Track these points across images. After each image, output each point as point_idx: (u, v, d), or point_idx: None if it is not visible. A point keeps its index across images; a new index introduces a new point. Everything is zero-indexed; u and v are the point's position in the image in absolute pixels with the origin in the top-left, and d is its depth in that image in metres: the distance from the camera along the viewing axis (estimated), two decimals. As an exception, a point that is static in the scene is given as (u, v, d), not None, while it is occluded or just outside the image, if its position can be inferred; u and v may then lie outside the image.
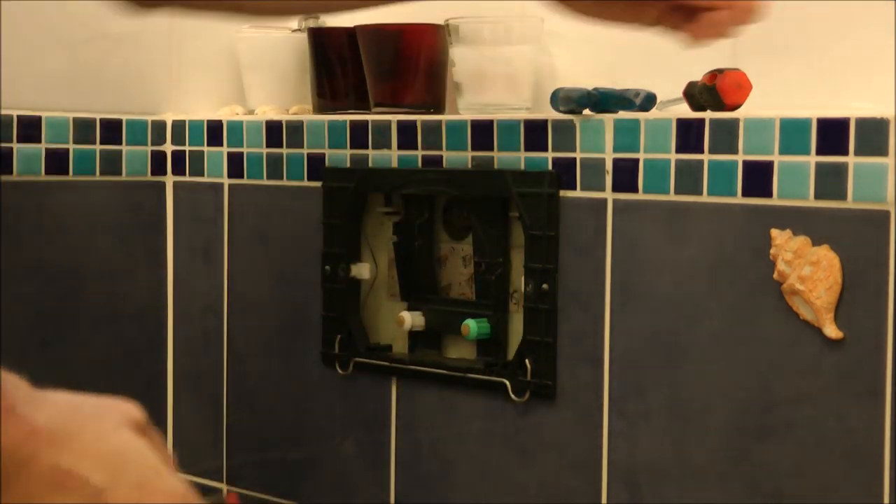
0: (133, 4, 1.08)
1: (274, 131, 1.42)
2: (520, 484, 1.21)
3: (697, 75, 1.13)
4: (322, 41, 1.43)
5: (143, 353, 1.53)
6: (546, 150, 1.18)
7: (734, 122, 1.06)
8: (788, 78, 1.17)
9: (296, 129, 1.40)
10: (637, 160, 1.12)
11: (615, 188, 1.14)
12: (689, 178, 1.09)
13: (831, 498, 1.02)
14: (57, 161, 1.45)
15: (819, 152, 1.01)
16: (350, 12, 1.25)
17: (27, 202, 1.44)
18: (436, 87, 1.35)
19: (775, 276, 1.04)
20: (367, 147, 1.33)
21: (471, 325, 1.23)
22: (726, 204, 1.07)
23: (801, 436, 1.03)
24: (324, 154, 1.37)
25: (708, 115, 1.08)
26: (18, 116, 1.43)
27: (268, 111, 1.47)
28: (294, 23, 1.59)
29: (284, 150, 1.41)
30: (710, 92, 1.10)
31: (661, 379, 1.11)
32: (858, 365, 1.00)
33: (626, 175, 1.13)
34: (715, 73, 1.11)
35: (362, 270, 1.35)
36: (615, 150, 1.13)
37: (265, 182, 1.43)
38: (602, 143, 1.14)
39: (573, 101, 1.14)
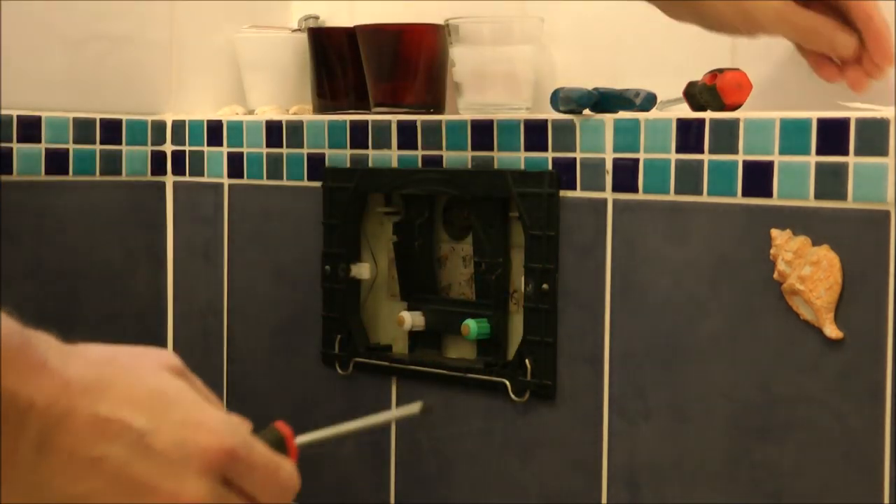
0: None
1: (274, 131, 1.42)
2: (520, 484, 1.21)
3: (697, 75, 1.14)
4: (322, 41, 1.43)
5: (143, 353, 1.53)
6: (546, 150, 1.18)
7: (734, 122, 1.06)
8: (788, 78, 1.17)
9: (296, 129, 1.40)
10: (637, 160, 1.12)
11: (615, 188, 1.14)
12: (689, 178, 1.09)
13: (831, 498, 1.02)
14: (57, 161, 1.45)
15: (819, 152, 1.01)
16: None
17: (27, 202, 1.44)
18: (436, 87, 1.35)
19: (775, 276, 1.04)
20: (367, 147, 1.33)
21: (471, 325, 1.23)
22: (726, 204, 1.07)
23: (801, 436, 1.03)
24: (324, 154, 1.37)
25: (708, 115, 1.08)
26: (18, 116, 1.42)
27: (268, 111, 1.48)
28: (294, 23, 1.59)
29: (284, 150, 1.41)
30: (710, 92, 1.10)
31: (661, 379, 1.11)
32: (858, 365, 1.00)
33: (626, 175, 1.13)
34: (715, 73, 1.11)
35: (362, 270, 1.35)
36: (615, 150, 1.13)
37: (265, 182, 1.43)
38: (602, 143, 1.14)
39: (573, 101, 1.14)
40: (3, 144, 1.41)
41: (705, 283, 1.08)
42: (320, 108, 1.44)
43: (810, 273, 1.01)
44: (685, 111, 1.12)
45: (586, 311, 1.16)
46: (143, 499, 0.66)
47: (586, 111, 1.16)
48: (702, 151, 1.08)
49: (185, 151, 1.52)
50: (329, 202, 1.36)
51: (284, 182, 1.41)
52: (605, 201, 1.14)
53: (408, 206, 1.31)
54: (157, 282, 1.54)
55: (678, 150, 1.09)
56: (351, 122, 1.34)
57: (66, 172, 1.46)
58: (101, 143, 1.49)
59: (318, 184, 1.37)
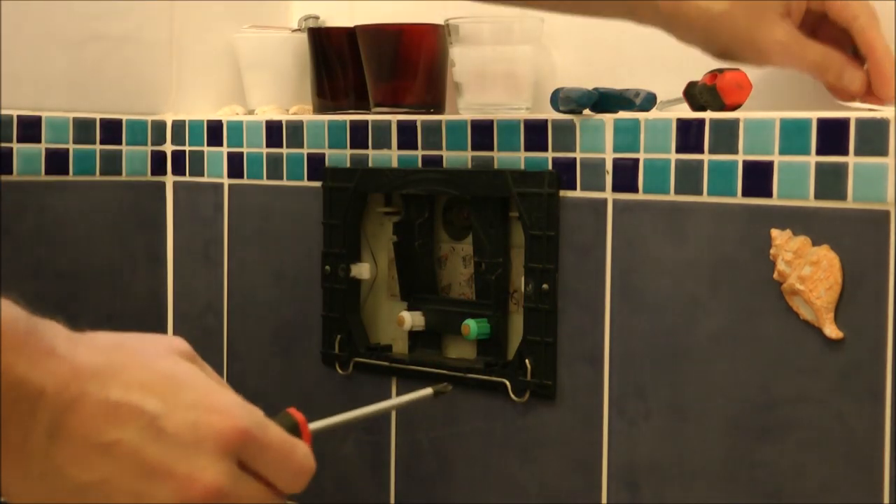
0: None
1: (274, 131, 1.42)
2: (520, 484, 1.21)
3: (697, 75, 1.14)
4: (322, 41, 1.43)
5: (143, 353, 1.53)
6: (546, 150, 1.18)
7: (734, 122, 1.06)
8: (788, 78, 1.17)
9: (296, 129, 1.40)
10: (637, 160, 1.12)
11: (615, 188, 1.14)
12: (689, 178, 1.09)
13: (831, 498, 1.02)
14: (57, 161, 1.45)
15: (819, 152, 1.01)
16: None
17: (27, 202, 1.44)
18: (436, 87, 1.35)
19: (775, 276, 1.04)
20: (367, 147, 1.33)
21: (471, 325, 1.23)
22: (726, 204, 1.07)
23: (801, 436, 1.03)
24: (324, 154, 1.37)
25: (708, 115, 1.08)
26: (18, 116, 1.42)
27: (268, 111, 1.48)
28: (294, 23, 1.59)
29: (284, 150, 1.41)
30: (710, 92, 1.10)
31: (661, 379, 1.11)
32: (858, 365, 1.00)
33: (626, 175, 1.13)
34: (715, 73, 1.11)
35: (362, 270, 1.35)
36: (615, 150, 1.13)
37: (265, 182, 1.43)
38: (602, 143, 1.14)
39: (573, 101, 1.14)
40: (3, 144, 1.41)
41: (705, 283, 1.08)
42: (320, 108, 1.44)
43: (810, 273, 1.01)
44: (685, 111, 1.12)
45: (586, 311, 1.16)
46: (157, 483, 0.65)
47: (586, 111, 1.16)
48: (702, 151, 1.08)
49: (185, 151, 1.52)
50: (329, 202, 1.36)
51: (284, 182, 1.41)
52: (605, 201, 1.14)
53: (408, 206, 1.31)
54: (157, 282, 1.54)
55: (678, 150, 1.09)
56: (351, 122, 1.34)
57: (66, 172, 1.46)
58: (101, 143, 1.49)
59: (318, 184, 1.37)
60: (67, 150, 1.46)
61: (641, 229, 1.12)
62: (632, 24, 1.16)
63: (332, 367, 1.36)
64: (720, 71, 1.11)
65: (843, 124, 1.00)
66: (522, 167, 1.20)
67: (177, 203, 1.54)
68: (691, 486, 1.10)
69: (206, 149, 1.50)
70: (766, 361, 1.05)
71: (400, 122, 1.30)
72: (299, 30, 1.55)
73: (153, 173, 1.53)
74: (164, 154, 1.54)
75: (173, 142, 1.53)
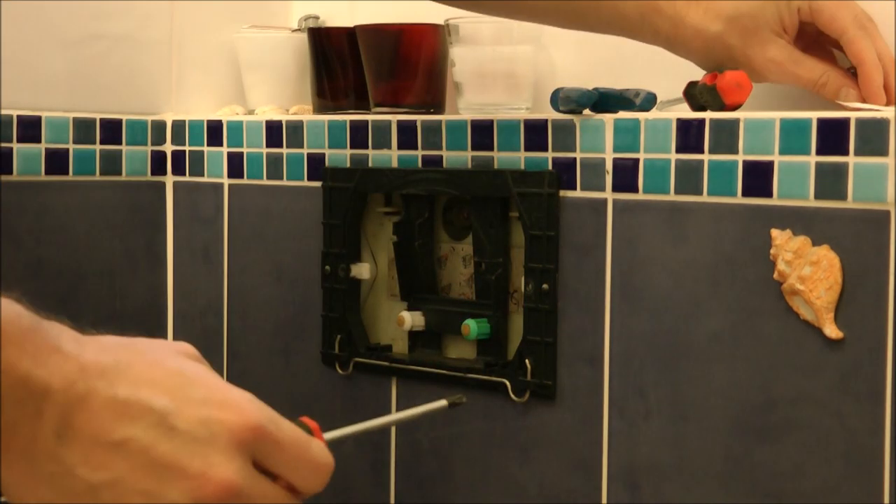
0: None
1: (274, 131, 1.42)
2: (520, 484, 1.21)
3: (697, 75, 1.14)
4: (322, 41, 1.43)
5: (143, 353, 1.53)
6: (546, 150, 1.18)
7: (734, 122, 1.06)
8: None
9: (296, 129, 1.40)
10: (637, 160, 1.12)
11: (615, 188, 1.13)
12: (689, 178, 1.09)
13: (831, 498, 1.02)
14: (57, 161, 1.45)
15: (819, 152, 1.01)
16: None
17: (27, 202, 1.44)
18: (436, 87, 1.35)
19: (775, 276, 1.04)
20: (367, 147, 1.33)
21: (471, 325, 1.23)
22: (726, 204, 1.07)
23: (801, 436, 1.03)
24: (324, 154, 1.37)
25: (708, 115, 1.08)
26: (18, 116, 1.43)
27: (268, 111, 1.48)
28: (294, 23, 1.59)
29: (284, 150, 1.41)
30: (710, 92, 1.10)
31: (661, 379, 1.11)
32: (858, 365, 1.00)
33: (626, 175, 1.13)
34: (715, 73, 1.11)
35: (362, 270, 1.35)
36: (615, 150, 1.13)
37: (265, 182, 1.43)
38: (602, 143, 1.14)
39: (573, 101, 1.14)
40: (3, 144, 1.41)
41: (705, 283, 1.08)
42: (320, 108, 1.44)
43: (810, 273, 1.01)
44: (685, 111, 1.12)
45: (586, 311, 1.16)
46: (169, 481, 0.64)
47: (586, 111, 1.16)
48: (702, 151, 1.08)
49: (185, 151, 1.52)
50: (329, 202, 1.36)
51: (284, 182, 1.41)
52: (605, 201, 1.14)
53: (408, 206, 1.31)
54: (157, 282, 1.54)
55: (678, 150, 1.09)
56: (351, 122, 1.34)
57: (66, 172, 1.46)
58: (101, 143, 1.49)
59: (318, 184, 1.37)
60: (67, 150, 1.46)
61: (641, 229, 1.12)
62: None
63: (332, 367, 1.36)
64: (720, 71, 1.11)
65: (843, 124, 1.00)
66: (522, 167, 1.20)
67: (177, 203, 1.54)
68: (691, 486, 1.10)
69: (206, 149, 1.50)
70: (766, 361, 1.05)
71: (400, 122, 1.30)
72: (299, 30, 1.55)
73: (153, 173, 1.53)
74: (164, 154, 1.54)
75: (173, 142, 1.53)
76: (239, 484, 0.65)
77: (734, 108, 1.10)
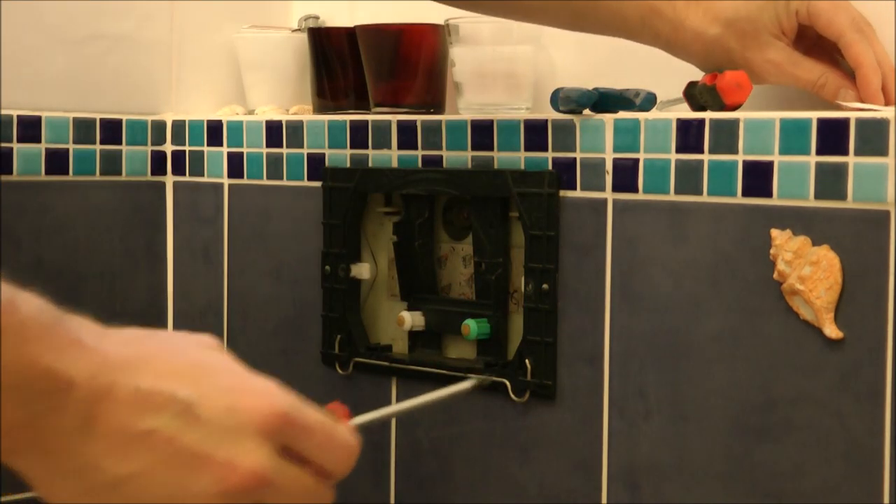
0: None
1: (274, 131, 1.42)
2: (520, 484, 1.21)
3: (697, 75, 1.14)
4: (322, 41, 1.43)
5: (143, 353, 1.53)
6: (546, 150, 1.18)
7: (734, 122, 1.06)
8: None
9: (296, 129, 1.40)
10: (637, 160, 1.12)
11: (615, 188, 1.13)
12: (689, 178, 1.09)
13: (831, 498, 1.02)
14: (57, 161, 1.45)
15: (819, 152, 1.01)
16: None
17: (27, 202, 1.44)
18: (436, 87, 1.35)
19: (775, 276, 1.04)
20: (367, 147, 1.33)
21: (471, 325, 1.23)
22: (726, 204, 1.07)
23: (801, 436, 1.03)
24: (324, 154, 1.37)
25: (708, 115, 1.08)
26: (18, 116, 1.43)
27: (268, 111, 1.48)
28: (294, 23, 1.59)
29: (284, 150, 1.41)
30: (710, 92, 1.10)
31: (661, 379, 1.11)
32: (858, 365, 1.00)
33: (626, 175, 1.13)
34: (715, 73, 1.11)
35: (362, 270, 1.35)
36: (615, 150, 1.13)
37: (265, 182, 1.43)
38: (602, 143, 1.14)
39: (573, 101, 1.14)
40: (3, 144, 1.41)
41: (705, 283, 1.08)
42: (320, 108, 1.44)
43: (810, 273, 1.01)
44: (685, 111, 1.12)
45: (586, 311, 1.16)
46: (196, 471, 0.63)
47: (586, 111, 1.16)
48: (702, 151, 1.08)
49: (185, 151, 1.52)
50: (329, 202, 1.36)
51: (284, 182, 1.41)
52: (605, 201, 1.14)
53: (408, 206, 1.31)
54: (157, 282, 1.54)
55: (678, 150, 1.09)
56: (351, 122, 1.34)
57: (66, 172, 1.46)
58: (101, 143, 1.49)
59: (318, 184, 1.37)
60: (67, 150, 1.46)
61: (641, 229, 1.12)
62: None
63: (332, 367, 1.36)
64: (720, 71, 1.11)
65: (843, 124, 1.00)
66: (522, 167, 1.20)
67: (177, 203, 1.54)
68: (691, 486, 1.10)
69: (206, 149, 1.50)
70: (766, 361, 1.05)
71: (400, 122, 1.30)
72: (299, 30, 1.55)
73: (153, 173, 1.53)
74: (164, 154, 1.54)
75: (173, 142, 1.53)
76: (267, 471, 0.64)
77: (734, 108, 1.10)
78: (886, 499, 0.99)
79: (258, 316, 1.45)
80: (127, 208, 1.51)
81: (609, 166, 1.14)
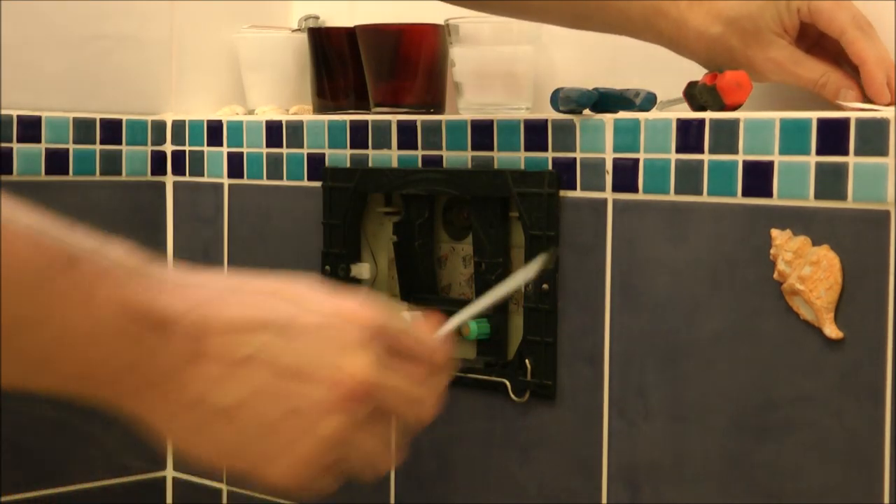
0: None
1: (274, 131, 1.42)
2: (520, 484, 1.21)
3: (697, 75, 1.14)
4: (322, 41, 1.43)
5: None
6: (546, 150, 1.18)
7: (734, 122, 1.06)
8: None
9: (296, 129, 1.40)
10: (637, 160, 1.12)
11: (615, 188, 1.14)
12: (689, 178, 1.09)
13: (831, 498, 1.02)
14: (57, 161, 1.45)
15: (819, 152, 1.01)
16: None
17: (27, 202, 1.43)
18: (436, 87, 1.35)
19: (775, 276, 1.04)
20: (367, 147, 1.33)
21: (471, 325, 1.23)
22: (726, 204, 1.07)
23: (801, 436, 1.03)
24: (324, 154, 1.37)
25: (708, 115, 1.08)
26: (18, 116, 1.43)
27: (268, 111, 1.48)
28: (294, 23, 1.59)
29: (284, 150, 1.41)
30: (710, 92, 1.10)
31: (661, 379, 1.11)
32: (858, 365, 1.00)
33: (626, 175, 1.13)
34: (715, 73, 1.11)
35: (362, 270, 1.35)
36: (615, 150, 1.13)
37: (265, 182, 1.43)
38: (602, 143, 1.14)
39: (573, 101, 1.14)
40: (3, 144, 1.41)
41: (705, 283, 1.08)
42: (320, 108, 1.44)
43: (810, 273, 1.01)
44: (685, 111, 1.12)
45: (586, 311, 1.16)
46: (306, 383, 0.64)
47: (586, 111, 1.16)
48: (702, 151, 1.08)
49: (185, 151, 1.52)
50: (329, 202, 1.36)
51: (284, 182, 1.41)
52: (605, 201, 1.14)
53: (408, 206, 1.31)
54: (157, 282, 1.54)
55: (678, 150, 1.09)
56: (351, 122, 1.34)
57: (66, 172, 1.46)
58: (101, 143, 1.49)
59: (318, 184, 1.37)
60: (67, 150, 1.46)
61: (641, 229, 1.12)
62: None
63: (332, 367, 1.36)
64: (720, 71, 1.11)
65: (843, 124, 1.00)
66: (522, 167, 1.20)
67: (177, 203, 1.54)
68: (691, 486, 1.10)
69: (206, 149, 1.50)
70: (766, 361, 1.05)
71: (400, 122, 1.30)
72: (299, 30, 1.55)
73: (153, 173, 1.53)
74: (164, 154, 1.54)
75: (173, 142, 1.53)
76: (374, 376, 0.66)
77: (734, 108, 1.10)
78: (886, 499, 0.99)
79: (258, 316, 1.45)
80: (127, 208, 1.51)
81: (609, 166, 1.14)
